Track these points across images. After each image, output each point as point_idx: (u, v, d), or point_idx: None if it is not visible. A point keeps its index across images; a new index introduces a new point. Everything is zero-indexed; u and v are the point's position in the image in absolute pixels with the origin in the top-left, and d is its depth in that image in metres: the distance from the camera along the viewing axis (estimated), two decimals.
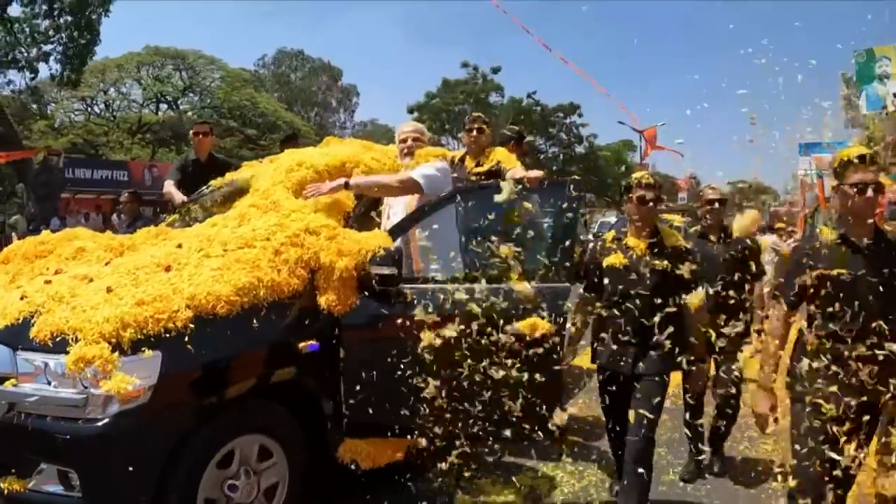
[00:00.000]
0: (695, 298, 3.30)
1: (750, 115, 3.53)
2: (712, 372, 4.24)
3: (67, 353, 2.65)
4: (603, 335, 3.45)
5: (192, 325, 2.81)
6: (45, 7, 23.27)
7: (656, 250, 3.35)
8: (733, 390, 4.24)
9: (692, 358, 3.39)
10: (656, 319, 3.28)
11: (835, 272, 2.66)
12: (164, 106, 35.86)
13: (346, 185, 3.57)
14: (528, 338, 3.31)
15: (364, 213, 3.79)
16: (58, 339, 2.72)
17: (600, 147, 44.97)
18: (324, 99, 50.11)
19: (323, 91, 50.23)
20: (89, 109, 34.32)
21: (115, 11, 23.99)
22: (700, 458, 4.26)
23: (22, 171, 19.93)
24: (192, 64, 35.42)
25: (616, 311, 3.36)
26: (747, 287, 4.24)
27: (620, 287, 3.34)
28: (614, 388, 3.44)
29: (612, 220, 18.53)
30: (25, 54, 24.19)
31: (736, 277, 4.15)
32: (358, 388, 3.33)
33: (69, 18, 23.32)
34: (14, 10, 23.32)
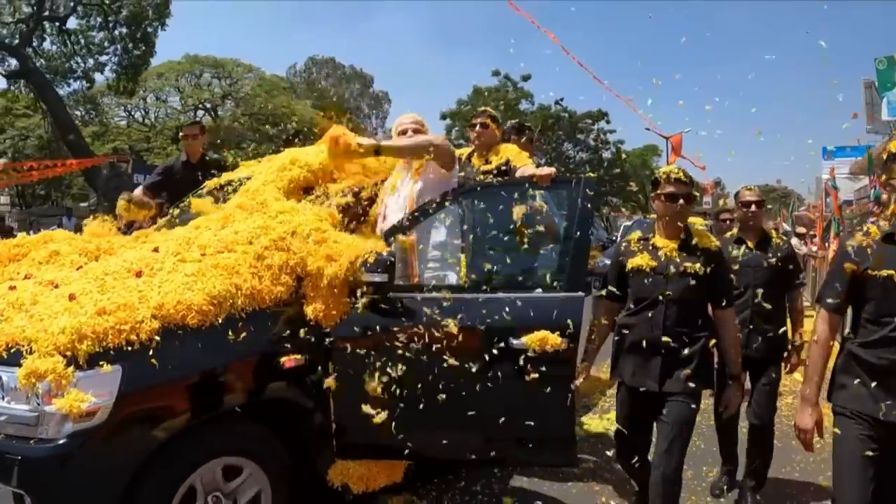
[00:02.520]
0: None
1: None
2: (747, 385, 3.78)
3: (21, 365, 2.33)
4: (626, 347, 3.02)
5: (157, 338, 2.46)
6: (99, 20, 23.76)
7: (687, 251, 2.92)
8: (765, 418, 3.74)
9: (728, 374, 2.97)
10: (687, 329, 2.87)
11: (884, 273, 2.31)
12: (201, 113, 36.10)
13: (377, 152, 3.13)
14: (536, 353, 2.89)
15: (360, 214, 3.40)
16: (12, 351, 2.39)
17: (627, 152, 44.35)
18: (356, 105, 50.09)
19: (355, 98, 50.22)
20: (131, 116, 34.73)
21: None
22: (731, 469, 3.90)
23: (91, 177, 20.25)
24: (229, 72, 35.63)
25: (642, 319, 2.94)
26: (787, 297, 3.79)
27: (647, 291, 2.92)
28: (636, 406, 3.02)
29: (630, 223, 17.81)
30: (81, 65, 24.71)
31: (775, 286, 3.70)
32: (349, 405, 2.96)
33: (124, 30, 23.77)
34: (70, 22, 23.93)
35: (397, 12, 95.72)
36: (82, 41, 24.29)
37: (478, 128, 3.91)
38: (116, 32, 24.01)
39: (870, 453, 2.33)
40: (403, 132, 3.52)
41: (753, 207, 3.78)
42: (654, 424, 3.01)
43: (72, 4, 23.40)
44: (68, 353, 2.33)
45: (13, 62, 23.34)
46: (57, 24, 23.58)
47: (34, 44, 23.32)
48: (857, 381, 2.38)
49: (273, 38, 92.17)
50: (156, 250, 2.91)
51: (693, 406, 2.90)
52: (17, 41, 22.28)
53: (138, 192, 4.72)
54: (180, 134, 5.17)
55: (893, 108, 17.24)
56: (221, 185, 3.85)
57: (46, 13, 22.91)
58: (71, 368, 2.31)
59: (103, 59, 24.67)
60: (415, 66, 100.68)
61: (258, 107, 34.66)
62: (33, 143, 27.92)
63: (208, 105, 35.91)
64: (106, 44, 24.39)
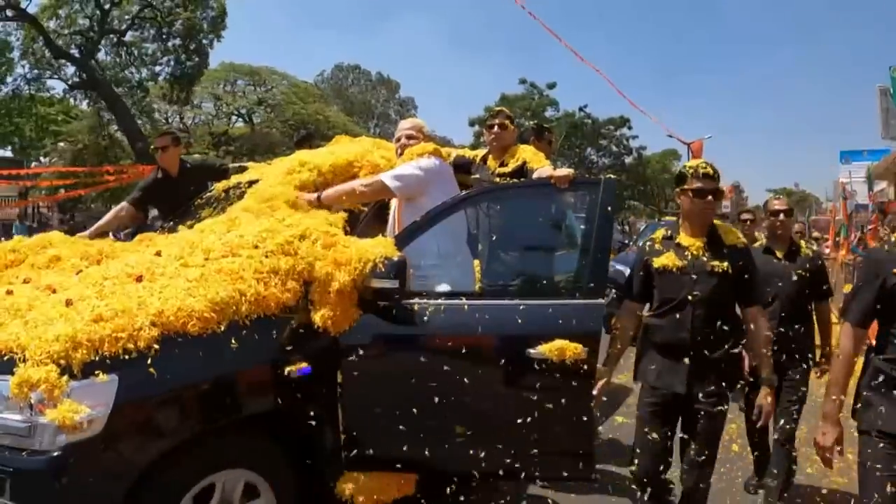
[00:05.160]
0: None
1: None
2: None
3: (14, 374, 2.17)
4: (652, 348, 2.80)
5: (156, 346, 2.28)
6: (152, 31, 24.37)
7: (714, 250, 2.70)
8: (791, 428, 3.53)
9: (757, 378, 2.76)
10: (716, 330, 2.66)
11: None
12: (233, 118, 36.49)
13: (319, 200, 3.05)
14: (555, 362, 2.67)
15: (373, 217, 3.21)
16: (5, 358, 2.23)
17: (648, 158, 44.17)
18: (382, 111, 50.07)
19: (381, 103, 50.28)
20: (167, 122, 35.12)
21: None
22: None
23: None
24: (264, 80, 36.04)
25: (669, 320, 2.72)
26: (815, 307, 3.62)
27: (674, 292, 2.70)
28: (662, 410, 2.79)
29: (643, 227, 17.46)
30: (136, 75, 25.28)
31: (804, 297, 3.54)
32: (359, 415, 2.77)
33: (177, 42, 24.17)
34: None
35: (417, 16, 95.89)
36: (135, 52, 24.91)
37: (495, 129, 3.68)
38: (170, 44, 24.63)
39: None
40: (398, 139, 3.34)
41: (782, 216, 3.62)
42: (678, 427, 2.82)
43: (127, 18, 24.01)
44: (62, 362, 2.16)
45: (69, 71, 24.11)
46: (112, 36, 24.21)
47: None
48: (884, 399, 2.20)
49: (295, 44, 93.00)
50: (158, 254, 2.75)
51: (722, 409, 2.73)
52: (73, 50, 22.94)
53: (118, 210, 4.52)
54: (151, 147, 4.81)
55: None
56: (228, 188, 3.68)
57: (107, 27, 23.56)
58: (65, 378, 2.14)
59: (157, 69, 25.41)
60: (437, 70, 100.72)
61: (291, 113, 34.95)
62: (72, 148, 28.41)
63: (243, 111, 36.30)
64: (159, 55, 25.09)
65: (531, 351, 2.68)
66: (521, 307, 2.77)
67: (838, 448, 2.31)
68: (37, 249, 3.13)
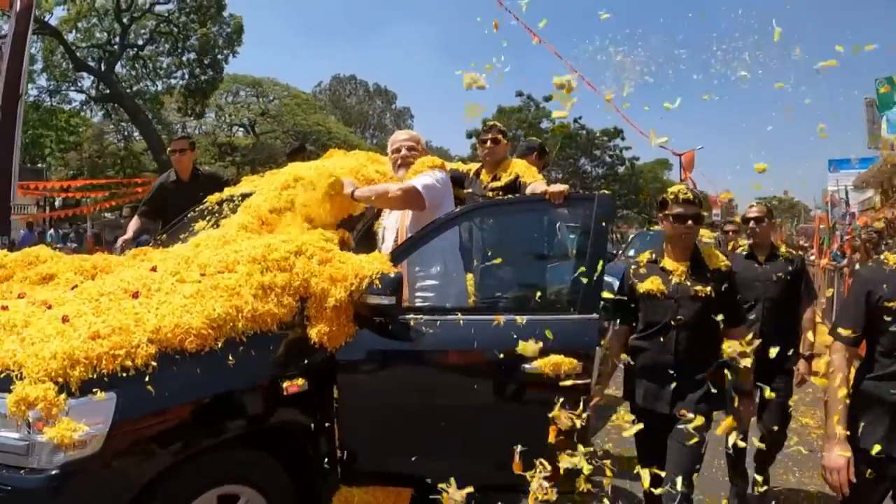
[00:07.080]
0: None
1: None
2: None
3: (11, 392, 2.18)
4: (638, 370, 2.86)
5: (154, 363, 2.29)
6: (167, 45, 24.98)
7: (697, 274, 2.76)
8: (779, 420, 3.66)
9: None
10: (699, 352, 2.74)
11: None
12: (234, 128, 36.59)
13: (353, 195, 3.02)
14: (550, 377, 2.72)
15: (365, 232, 3.25)
16: (2, 376, 2.23)
17: (640, 168, 44.62)
18: (379, 121, 50.25)
19: (377, 114, 50.50)
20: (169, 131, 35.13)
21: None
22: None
23: None
24: (266, 90, 36.22)
25: (654, 343, 2.78)
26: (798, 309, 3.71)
27: (659, 316, 2.76)
28: (650, 430, 2.82)
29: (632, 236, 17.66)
30: (152, 87, 25.92)
31: (786, 300, 3.64)
32: (355, 430, 2.80)
33: (192, 56, 24.66)
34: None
35: (412, 25, 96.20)
36: (150, 65, 25.19)
37: (487, 143, 3.71)
38: (185, 58, 25.10)
39: (879, 495, 2.20)
40: (397, 150, 3.31)
41: (752, 224, 3.76)
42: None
43: (143, 32, 24.48)
44: (60, 380, 2.16)
45: (85, 84, 24.89)
46: (128, 50, 24.50)
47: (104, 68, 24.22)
48: (867, 418, 2.22)
49: (290, 52, 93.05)
50: (154, 270, 2.76)
51: (705, 425, 2.76)
52: (91, 63, 23.17)
53: (134, 223, 4.53)
54: (168, 150, 4.79)
55: (894, 126, 17.38)
56: (221, 200, 3.70)
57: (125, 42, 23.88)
58: (63, 396, 2.15)
59: (172, 81, 26.03)
60: (433, 81, 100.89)
61: (293, 123, 35.12)
62: (77, 157, 28.58)
63: (245, 121, 36.42)
64: (174, 68, 25.65)
65: (526, 366, 2.72)
66: (517, 322, 2.81)
67: (850, 472, 2.16)
68: (23, 265, 3.10)
